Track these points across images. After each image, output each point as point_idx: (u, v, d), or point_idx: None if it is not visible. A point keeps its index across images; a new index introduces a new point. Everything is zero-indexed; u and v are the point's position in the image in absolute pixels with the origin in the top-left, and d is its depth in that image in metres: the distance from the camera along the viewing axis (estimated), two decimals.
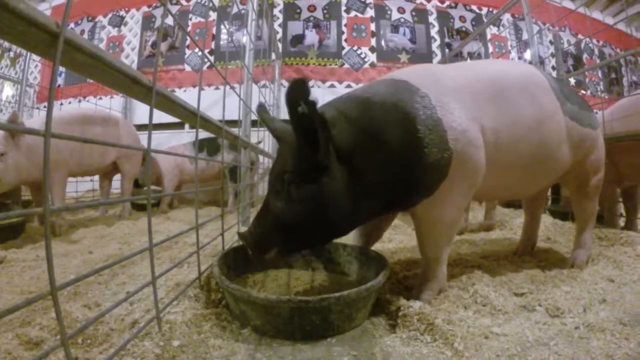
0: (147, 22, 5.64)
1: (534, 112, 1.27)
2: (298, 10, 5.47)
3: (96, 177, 3.46)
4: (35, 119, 2.86)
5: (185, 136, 4.84)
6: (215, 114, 1.47)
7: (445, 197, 1.12)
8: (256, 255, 1.06)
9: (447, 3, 5.73)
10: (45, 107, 4.47)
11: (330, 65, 5.32)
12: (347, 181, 1.02)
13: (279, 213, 1.02)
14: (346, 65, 5.32)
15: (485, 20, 5.63)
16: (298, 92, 0.88)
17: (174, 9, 5.61)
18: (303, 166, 1.00)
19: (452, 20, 5.68)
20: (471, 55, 5.57)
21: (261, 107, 1.22)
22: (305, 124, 0.92)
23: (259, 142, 3.40)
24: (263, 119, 1.20)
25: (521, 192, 1.51)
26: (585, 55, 6.32)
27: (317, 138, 0.94)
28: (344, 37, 5.40)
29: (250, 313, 1.02)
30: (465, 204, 1.19)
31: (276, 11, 5.45)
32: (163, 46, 5.42)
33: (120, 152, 3.04)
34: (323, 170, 0.99)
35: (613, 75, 6.57)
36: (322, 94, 5.11)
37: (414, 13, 5.58)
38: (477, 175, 1.14)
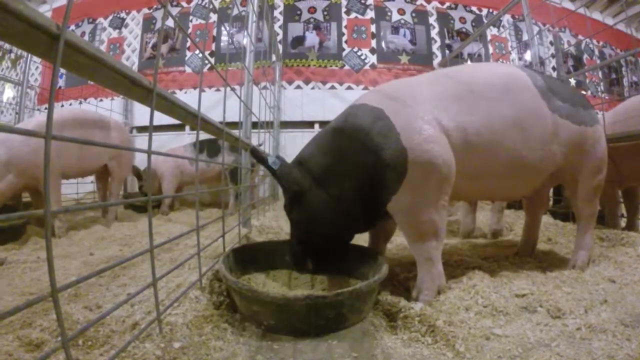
0: (148, 23, 5.66)
1: (510, 109, 1.29)
2: (298, 12, 5.48)
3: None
4: (26, 122, 2.85)
5: (186, 138, 4.84)
6: (215, 116, 1.47)
7: (412, 193, 1.19)
8: (297, 266, 1.38)
9: (447, 4, 5.74)
10: (46, 108, 4.47)
11: (331, 66, 5.32)
12: (329, 197, 1.27)
13: (292, 234, 1.38)
14: (346, 67, 5.33)
15: (485, 21, 5.64)
16: (256, 157, 1.30)
17: (175, 10, 5.62)
18: (286, 198, 1.34)
19: (452, 21, 5.69)
20: (471, 57, 5.58)
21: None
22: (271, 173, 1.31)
23: (260, 144, 3.39)
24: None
25: (507, 191, 1.50)
26: (585, 56, 6.32)
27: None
28: (344, 38, 5.41)
29: (264, 313, 1.02)
30: (437, 199, 1.20)
31: (276, 13, 5.46)
32: (164, 48, 5.43)
33: (110, 154, 3.03)
34: (300, 198, 1.29)
35: (613, 76, 6.57)
36: (323, 96, 5.12)
37: (414, 14, 5.59)
38: (440, 170, 1.17)
